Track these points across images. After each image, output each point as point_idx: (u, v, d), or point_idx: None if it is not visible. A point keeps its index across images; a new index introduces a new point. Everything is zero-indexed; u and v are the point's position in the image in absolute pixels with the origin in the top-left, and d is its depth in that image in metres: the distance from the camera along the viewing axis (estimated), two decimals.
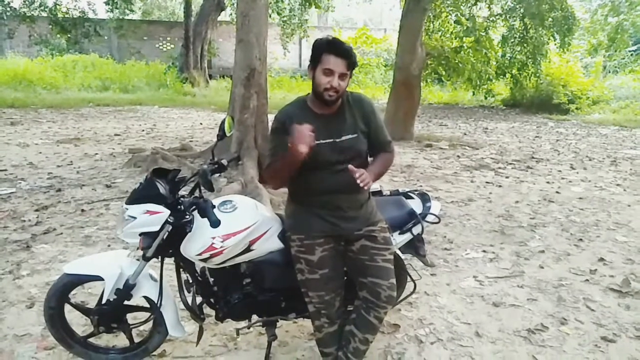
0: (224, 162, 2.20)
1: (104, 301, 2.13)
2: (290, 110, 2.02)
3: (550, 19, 12.08)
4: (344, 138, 1.99)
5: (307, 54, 21.21)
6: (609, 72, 18.34)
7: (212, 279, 2.21)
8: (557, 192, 5.78)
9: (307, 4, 14.23)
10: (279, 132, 1.98)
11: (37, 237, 3.94)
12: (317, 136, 1.86)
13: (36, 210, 4.59)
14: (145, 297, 2.19)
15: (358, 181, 1.81)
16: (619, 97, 14.93)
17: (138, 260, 2.13)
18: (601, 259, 3.74)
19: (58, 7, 12.50)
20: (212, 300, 2.23)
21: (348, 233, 2.06)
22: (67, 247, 3.75)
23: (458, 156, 7.95)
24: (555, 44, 13.36)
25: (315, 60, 1.91)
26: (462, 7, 12.59)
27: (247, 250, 2.07)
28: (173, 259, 2.17)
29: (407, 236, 2.40)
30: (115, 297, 2.11)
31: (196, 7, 18.84)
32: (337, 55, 1.86)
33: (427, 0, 9.08)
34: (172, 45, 19.66)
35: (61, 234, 4.02)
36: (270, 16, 13.15)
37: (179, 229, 2.02)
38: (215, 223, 1.89)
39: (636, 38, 18.10)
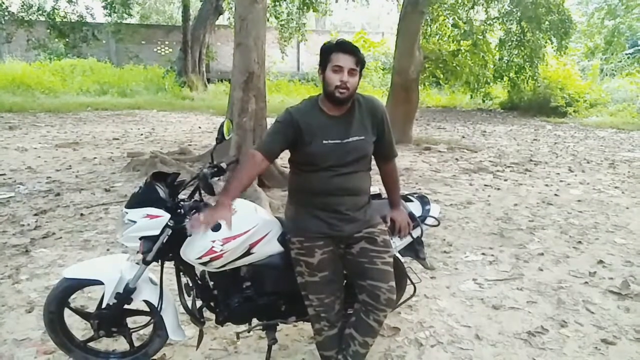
0: (223, 165, 2.20)
1: (104, 305, 2.13)
2: (302, 108, 2.06)
3: (547, 23, 12.14)
4: (351, 139, 2.01)
5: (305, 57, 21.29)
6: (606, 75, 18.41)
7: (212, 283, 2.21)
8: (555, 194, 5.79)
9: (305, 7, 14.26)
10: (281, 124, 2.02)
11: (36, 241, 3.93)
12: (325, 135, 1.97)
13: (35, 215, 4.58)
14: (145, 301, 2.19)
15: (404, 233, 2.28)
16: (616, 100, 14.99)
17: (138, 264, 2.12)
18: (600, 262, 3.74)
19: (56, 11, 12.47)
20: (212, 304, 2.23)
21: (347, 235, 2.06)
22: (66, 251, 3.75)
23: (456, 159, 7.97)
24: (552, 47, 13.44)
25: (324, 62, 1.97)
26: (460, 11, 12.64)
27: (247, 253, 2.07)
28: (173, 262, 2.17)
29: (407, 239, 2.40)
30: (115, 301, 2.11)
31: (194, 11, 18.88)
32: (345, 52, 1.93)
33: (424, 4, 9.11)
34: (171, 49, 19.65)
35: (60, 238, 4.02)
36: (268, 20, 13.18)
37: (179, 233, 2.02)
38: (214, 227, 1.90)
39: (632, 41, 18.23)
